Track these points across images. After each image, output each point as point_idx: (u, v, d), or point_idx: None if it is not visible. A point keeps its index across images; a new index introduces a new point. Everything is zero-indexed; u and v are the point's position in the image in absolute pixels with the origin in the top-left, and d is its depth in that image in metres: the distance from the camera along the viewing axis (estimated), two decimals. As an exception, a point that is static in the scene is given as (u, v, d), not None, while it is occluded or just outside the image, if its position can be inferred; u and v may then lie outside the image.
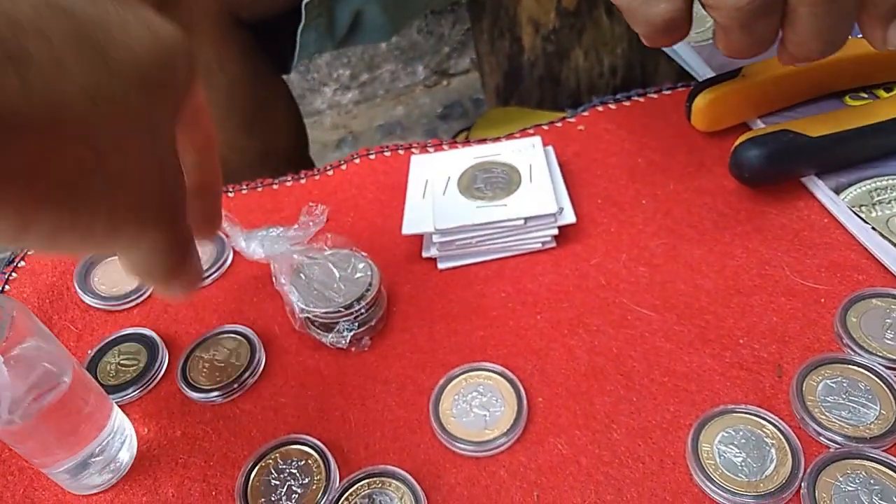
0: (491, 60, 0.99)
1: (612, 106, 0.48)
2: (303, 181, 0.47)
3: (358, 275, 0.37)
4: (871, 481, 0.28)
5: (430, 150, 0.47)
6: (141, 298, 0.40)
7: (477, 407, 0.33)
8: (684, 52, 0.51)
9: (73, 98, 0.18)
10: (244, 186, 0.47)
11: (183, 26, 0.58)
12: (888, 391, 0.30)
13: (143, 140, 0.21)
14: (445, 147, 0.47)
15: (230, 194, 0.47)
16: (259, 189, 0.47)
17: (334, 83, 1.21)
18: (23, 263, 0.43)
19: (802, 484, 0.28)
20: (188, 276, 0.24)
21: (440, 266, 0.40)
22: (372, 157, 0.47)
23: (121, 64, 0.20)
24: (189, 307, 0.40)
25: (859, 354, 0.31)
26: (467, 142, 0.47)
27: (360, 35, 0.65)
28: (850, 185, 0.38)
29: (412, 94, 1.21)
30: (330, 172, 0.47)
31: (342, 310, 0.35)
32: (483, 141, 0.47)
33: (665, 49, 0.53)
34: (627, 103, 0.48)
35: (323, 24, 0.61)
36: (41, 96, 0.17)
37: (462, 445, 0.31)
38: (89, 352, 0.37)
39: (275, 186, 0.47)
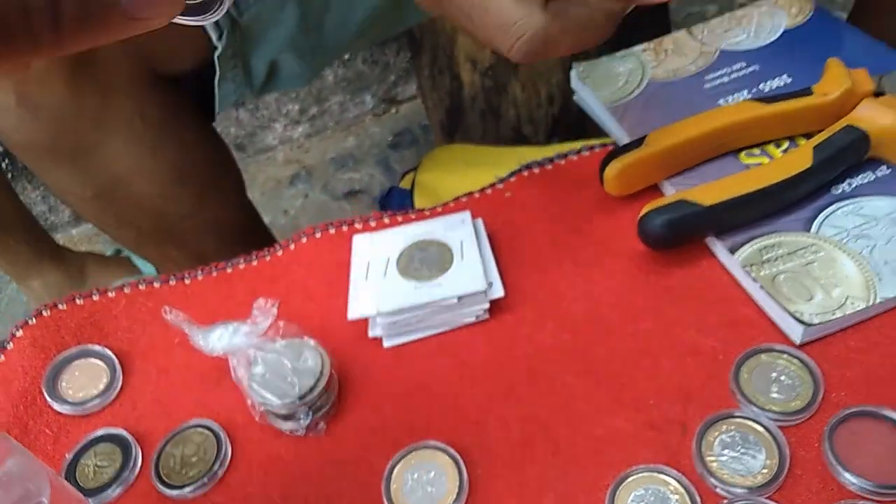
0: (433, 96, 1.03)
1: (536, 171, 0.52)
2: (254, 262, 0.51)
3: (309, 363, 0.41)
4: (760, 525, 0.33)
5: (372, 224, 0.51)
6: (110, 399, 0.44)
7: (425, 483, 0.37)
8: (598, 111, 0.56)
9: None
10: (199, 272, 0.51)
11: (101, 84, 0.61)
12: (773, 441, 0.35)
13: None
14: (386, 220, 0.51)
15: (186, 281, 0.50)
16: (213, 274, 0.51)
17: (284, 118, 1.23)
18: (-5, 369, 0.46)
19: (703, 533, 0.33)
20: None
21: (385, 344, 0.44)
22: (318, 235, 0.51)
23: None
24: (156, 403, 0.43)
25: (750, 408, 0.36)
26: (407, 214, 0.51)
27: (278, 82, 0.67)
28: (744, 243, 0.43)
29: (362, 124, 1.25)
30: (279, 252, 0.51)
31: (297, 401, 0.39)
32: (420, 213, 0.51)
33: (581, 106, 0.58)
34: (550, 167, 0.52)
35: (239, 75, 0.63)
36: None
37: (412, 520, 0.36)
38: (67, 455, 0.41)
39: (228, 270, 0.51)
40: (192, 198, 0.68)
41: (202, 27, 0.57)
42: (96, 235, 1.27)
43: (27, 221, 1.01)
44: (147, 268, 0.89)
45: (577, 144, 0.54)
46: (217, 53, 0.59)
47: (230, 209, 0.80)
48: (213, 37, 0.58)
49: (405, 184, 0.89)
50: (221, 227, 0.73)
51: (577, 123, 0.92)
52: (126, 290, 0.49)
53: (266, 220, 0.87)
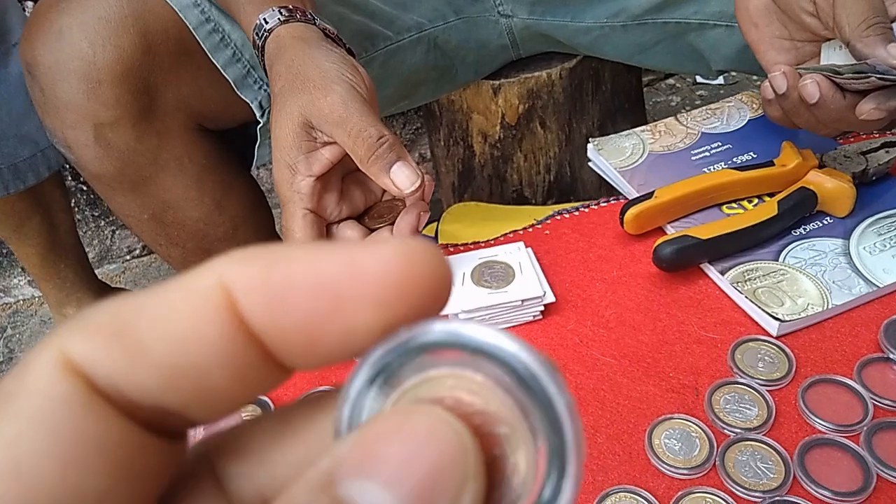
0: (447, 163, 1.19)
1: (567, 216, 0.67)
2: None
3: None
4: (756, 454, 0.46)
5: (450, 248, 0.65)
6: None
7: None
8: (611, 174, 0.72)
9: None
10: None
11: (158, 130, 0.76)
12: (762, 398, 0.49)
13: None
14: (450, 248, 0.65)
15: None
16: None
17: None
18: None
19: (716, 459, 0.46)
20: None
21: (463, 336, 0.57)
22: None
23: None
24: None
25: (744, 378, 0.51)
26: (474, 244, 0.65)
27: None
28: (731, 267, 0.58)
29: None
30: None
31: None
32: (478, 244, 0.65)
33: (594, 168, 0.74)
34: (577, 213, 0.68)
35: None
36: None
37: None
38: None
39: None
40: (228, 224, 0.82)
41: (245, 101, 0.72)
42: (118, 276, 1.36)
43: (79, 250, 1.11)
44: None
45: (569, 205, 0.70)
46: (259, 126, 0.74)
47: (261, 238, 0.92)
48: (257, 113, 0.73)
49: (428, 231, 1.03)
50: None
51: (568, 189, 1.10)
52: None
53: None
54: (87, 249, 1.37)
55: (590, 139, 0.75)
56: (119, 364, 0.14)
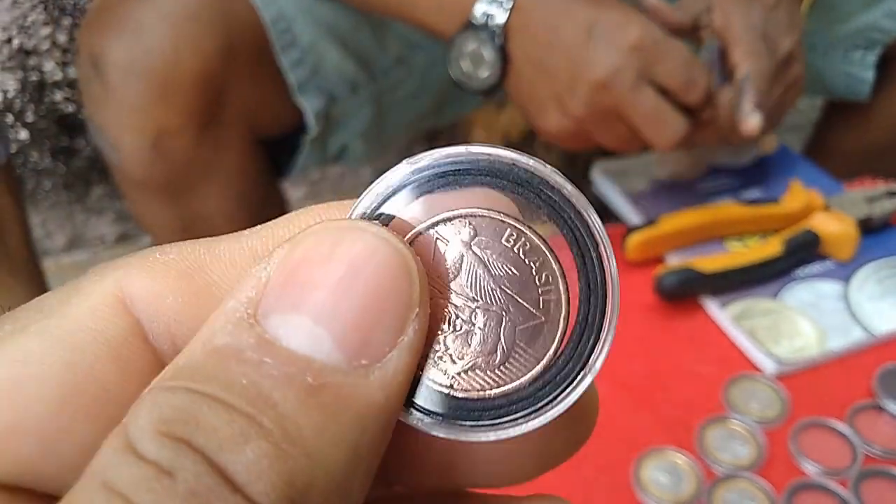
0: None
1: (567, 237, 0.69)
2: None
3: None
4: (745, 493, 0.48)
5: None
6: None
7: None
8: (615, 198, 0.73)
9: None
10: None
11: (218, 141, 0.77)
12: (754, 438, 0.51)
13: None
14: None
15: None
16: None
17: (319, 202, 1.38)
18: None
19: (705, 496, 0.47)
20: None
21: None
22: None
23: None
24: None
25: (737, 415, 0.52)
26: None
27: (344, 160, 0.85)
28: (731, 302, 0.60)
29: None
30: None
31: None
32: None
33: (598, 194, 0.76)
34: (577, 235, 0.69)
35: (315, 152, 0.80)
36: None
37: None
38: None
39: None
40: None
41: (300, 108, 0.73)
42: (90, 264, 1.35)
43: (30, 267, 1.10)
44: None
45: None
46: (310, 137, 0.75)
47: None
48: (311, 121, 0.74)
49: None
50: None
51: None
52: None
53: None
54: (57, 235, 1.36)
55: (594, 162, 0.77)
56: (180, 305, 0.14)
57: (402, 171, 0.15)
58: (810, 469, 0.49)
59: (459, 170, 0.16)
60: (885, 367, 0.54)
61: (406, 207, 0.15)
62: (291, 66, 0.70)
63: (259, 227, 0.15)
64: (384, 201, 0.15)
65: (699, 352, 0.57)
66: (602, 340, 0.15)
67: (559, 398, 0.15)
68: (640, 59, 0.55)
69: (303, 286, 0.12)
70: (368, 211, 0.15)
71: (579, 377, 0.15)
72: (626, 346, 0.58)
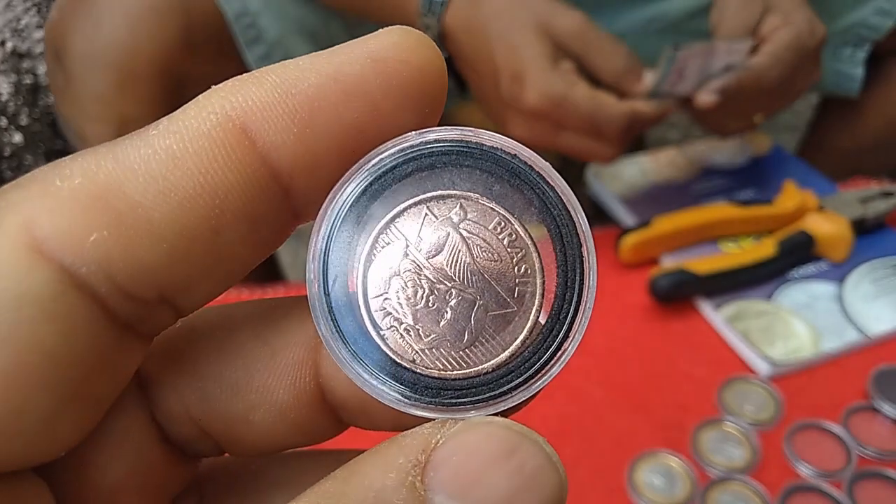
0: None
1: (561, 239, 0.69)
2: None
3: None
4: (739, 496, 0.48)
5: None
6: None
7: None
8: (609, 200, 0.74)
9: None
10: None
11: None
12: (748, 440, 0.51)
13: None
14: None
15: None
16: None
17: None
18: None
19: (698, 498, 0.48)
20: None
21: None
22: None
23: None
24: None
25: (731, 417, 0.52)
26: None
27: None
28: (725, 303, 0.60)
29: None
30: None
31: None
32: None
33: (592, 196, 0.76)
34: (572, 237, 0.69)
35: None
36: None
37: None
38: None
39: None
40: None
41: None
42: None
43: None
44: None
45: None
46: None
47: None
48: None
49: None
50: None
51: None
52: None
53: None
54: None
55: (588, 164, 0.77)
56: (110, 240, 0.11)
57: (409, 140, 0.16)
58: (804, 471, 0.49)
59: (464, 150, 0.16)
60: (879, 368, 0.55)
61: (406, 178, 0.16)
62: (257, 61, 0.70)
63: (165, 119, 0.13)
64: (387, 172, 0.16)
65: (693, 354, 0.58)
66: (571, 338, 0.16)
67: (518, 389, 0.16)
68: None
69: (475, 480, 0.13)
70: (373, 178, 0.16)
71: (542, 371, 0.16)
72: (619, 348, 0.58)
